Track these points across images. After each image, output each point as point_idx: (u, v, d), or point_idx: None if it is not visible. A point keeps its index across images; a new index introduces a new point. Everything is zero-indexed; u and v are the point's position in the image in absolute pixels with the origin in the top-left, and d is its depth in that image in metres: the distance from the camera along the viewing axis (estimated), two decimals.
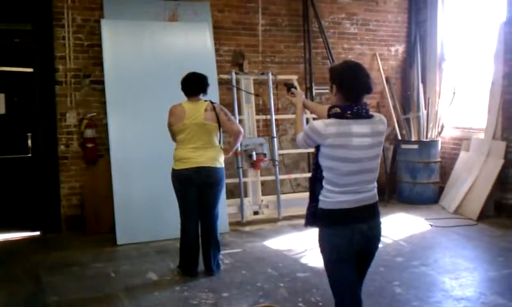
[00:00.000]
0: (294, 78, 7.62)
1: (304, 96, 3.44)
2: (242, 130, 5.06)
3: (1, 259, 5.66)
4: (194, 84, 4.98)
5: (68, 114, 6.66)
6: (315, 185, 2.94)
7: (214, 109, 4.91)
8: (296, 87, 3.58)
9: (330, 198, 2.83)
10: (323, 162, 2.85)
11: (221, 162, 4.96)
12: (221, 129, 4.99)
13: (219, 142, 5.04)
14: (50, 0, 6.53)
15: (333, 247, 2.86)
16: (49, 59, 6.56)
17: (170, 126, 5.00)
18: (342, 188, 2.81)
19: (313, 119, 7.35)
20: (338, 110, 2.81)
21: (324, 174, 2.86)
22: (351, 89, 2.81)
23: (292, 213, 7.00)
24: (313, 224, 3.01)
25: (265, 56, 7.80)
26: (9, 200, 7.00)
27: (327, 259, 2.94)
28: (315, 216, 2.96)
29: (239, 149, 6.76)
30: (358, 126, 2.77)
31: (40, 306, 4.43)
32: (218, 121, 4.90)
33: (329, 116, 2.86)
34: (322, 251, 2.95)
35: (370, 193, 2.89)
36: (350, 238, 2.82)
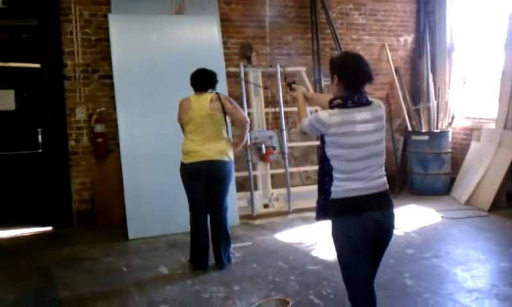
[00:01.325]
0: (302, 70, 7.59)
1: (304, 89, 3.52)
2: (247, 118, 5.06)
3: (13, 255, 5.70)
4: (202, 80, 4.99)
5: (77, 110, 6.68)
6: (323, 178, 3.00)
7: (219, 99, 4.90)
8: (295, 82, 3.69)
9: (340, 187, 2.86)
10: (329, 151, 2.90)
11: (229, 155, 4.95)
12: (228, 119, 4.98)
13: (228, 134, 5.03)
14: None
15: (347, 238, 2.86)
16: (57, 54, 6.58)
17: (179, 119, 5.00)
18: (350, 174, 2.84)
19: (316, 111, 7.33)
20: (339, 101, 2.89)
21: (332, 163, 2.91)
22: (351, 78, 2.88)
23: (302, 206, 6.99)
24: (324, 217, 3.03)
25: (273, 48, 7.76)
26: (21, 196, 7.03)
27: (340, 250, 2.94)
28: (325, 209, 2.99)
29: (248, 142, 6.76)
30: (359, 114, 2.85)
31: (51, 301, 4.46)
32: (224, 111, 4.89)
33: (331, 108, 2.92)
34: (336, 243, 2.95)
35: (380, 180, 2.91)
36: (363, 227, 2.83)
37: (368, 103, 2.90)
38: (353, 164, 2.84)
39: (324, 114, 2.88)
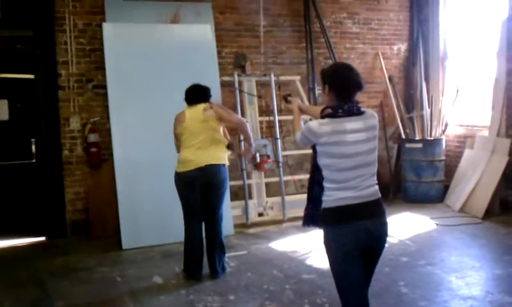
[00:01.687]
0: (296, 78, 7.62)
1: (299, 101, 3.54)
2: (243, 119, 5.09)
3: (7, 265, 5.67)
4: (196, 94, 5.04)
5: (71, 119, 6.67)
6: (312, 187, 3.04)
7: (212, 107, 4.93)
8: (290, 95, 3.77)
9: (331, 196, 2.88)
10: (320, 160, 2.92)
11: (224, 159, 4.96)
12: (224, 124, 5.01)
13: (223, 137, 5.04)
14: (52, 6, 6.55)
15: (339, 246, 2.87)
16: (52, 64, 6.58)
17: (174, 131, 5.01)
18: (341, 184, 2.86)
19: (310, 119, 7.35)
20: (330, 110, 2.92)
21: (323, 173, 2.93)
22: (341, 88, 2.92)
23: (296, 215, 6.98)
24: (310, 225, 3.09)
25: (267, 57, 7.79)
26: (14, 206, 7.01)
27: (333, 259, 2.95)
28: (312, 217, 3.05)
29: (243, 150, 6.77)
30: (350, 123, 2.87)
31: None
32: (219, 119, 4.92)
33: (322, 117, 2.95)
34: (328, 251, 2.96)
35: (371, 189, 2.92)
36: (355, 236, 2.84)
37: (360, 112, 2.93)
38: (344, 174, 2.86)
39: (315, 124, 2.90)
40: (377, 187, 2.96)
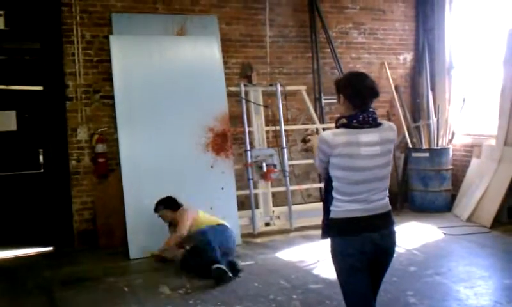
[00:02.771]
0: (302, 88, 7.64)
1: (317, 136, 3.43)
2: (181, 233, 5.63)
3: (14, 275, 5.69)
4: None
5: (79, 130, 6.72)
6: (327, 198, 2.97)
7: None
8: (309, 136, 3.64)
9: (339, 207, 2.85)
10: (332, 171, 2.88)
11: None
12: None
13: None
14: (60, 18, 6.61)
15: (346, 257, 2.85)
16: (59, 75, 6.63)
17: None
18: (350, 197, 2.82)
19: (323, 129, 7.36)
20: (344, 120, 2.86)
21: (333, 183, 2.89)
22: (357, 95, 2.85)
23: (303, 224, 6.98)
24: (328, 236, 3.00)
25: (274, 67, 7.82)
26: (22, 216, 7.04)
27: (339, 270, 2.94)
28: (329, 228, 2.96)
29: (249, 161, 6.79)
30: (365, 136, 2.80)
31: None
32: None
33: (337, 127, 2.90)
34: (335, 262, 2.94)
35: (382, 202, 2.88)
36: (362, 248, 2.82)
37: (377, 124, 2.86)
38: (354, 187, 2.82)
39: (328, 134, 2.85)
40: (387, 200, 2.92)
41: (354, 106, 2.85)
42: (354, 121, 2.82)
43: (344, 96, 2.90)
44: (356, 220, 2.82)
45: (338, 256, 2.90)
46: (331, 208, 2.90)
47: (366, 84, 2.87)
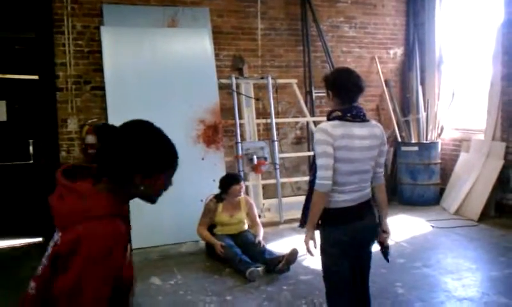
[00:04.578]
0: (293, 81, 7.65)
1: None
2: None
3: (4, 265, 5.68)
4: None
5: (69, 121, 6.69)
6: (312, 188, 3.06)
7: None
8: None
9: (332, 198, 2.97)
10: None
11: None
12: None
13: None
14: (51, 8, 6.57)
15: (336, 245, 2.99)
16: (50, 65, 6.59)
17: None
18: (341, 187, 2.97)
19: (314, 122, 7.39)
20: (339, 113, 2.99)
21: None
22: (344, 91, 3.02)
23: (293, 217, 6.99)
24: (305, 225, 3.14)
25: (265, 60, 7.83)
26: (12, 207, 7.01)
27: (329, 258, 3.05)
28: (321, 218, 3.05)
29: (240, 153, 6.80)
30: (358, 129, 2.97)
31: None
32: None
33: (330, 119, 3.01)
34: (324, 251, 3.06)
35: (366, 191, 3.10)
36: (352, 235, 2.99)
37: (366, 120, 3.04)
38: (346, 177, 2.96)
39: (327, 125, 2.96)
40: (369, 190, 3.13)
41: (342, 102, 3.02)
42: (348, 114, 2.97)
43: (333, 93, 3.07)
44: (347, 210, 2.98)
45: (329, 244, 3.03)
46: None
47: (352, 80, 3.03)
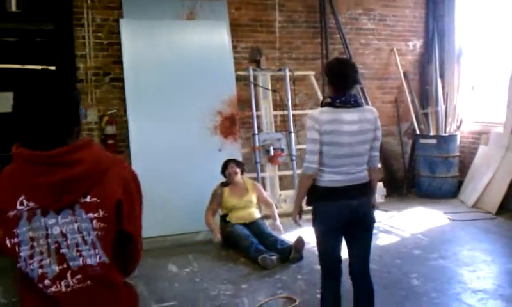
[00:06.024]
0: (311, 74, 7.64)
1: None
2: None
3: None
4: None
5: (88, 111, 6.80)
6: None
7: None
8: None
9: (323, 177, 3.20)
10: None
11: None
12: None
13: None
14: (71, 1, 6.67)
15: (325, 218, 3.23)
16: (70, 57, 6.70)
17: None
18: (332, 168, 3.17)
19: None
20: (328, 100, 3.21)
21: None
22: (337, 81, 3.21)
23: (309, 207, 7.02)
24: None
25: (283, 52, 7.85)
26: None
27: (318, 232, 3.31)
28: (312, 194, 3.30)
29: (257, 144, 6.85)
30: (347, 114, 3.15)
31: None
32: None
33: (322, 106, 3.23)
34: (314, 224, 3.31)
35: (360, 174, 3.25)
36: (340, 211, 3.20)
37: (358, 105, 3.20)
38: (336, 160, 3.15)
39: (316, 112, 3.18)
40: (365, 173, 3.29)
41: (337, 89, 3.21)
42: (337, 101, 3.16)
43: (328, 81, 3.30)
44: (336, 190, 3.18)
45: (318, 218, 3.28)
46: (316, 177, 3.22)
47: (342, 70, 3.22)
